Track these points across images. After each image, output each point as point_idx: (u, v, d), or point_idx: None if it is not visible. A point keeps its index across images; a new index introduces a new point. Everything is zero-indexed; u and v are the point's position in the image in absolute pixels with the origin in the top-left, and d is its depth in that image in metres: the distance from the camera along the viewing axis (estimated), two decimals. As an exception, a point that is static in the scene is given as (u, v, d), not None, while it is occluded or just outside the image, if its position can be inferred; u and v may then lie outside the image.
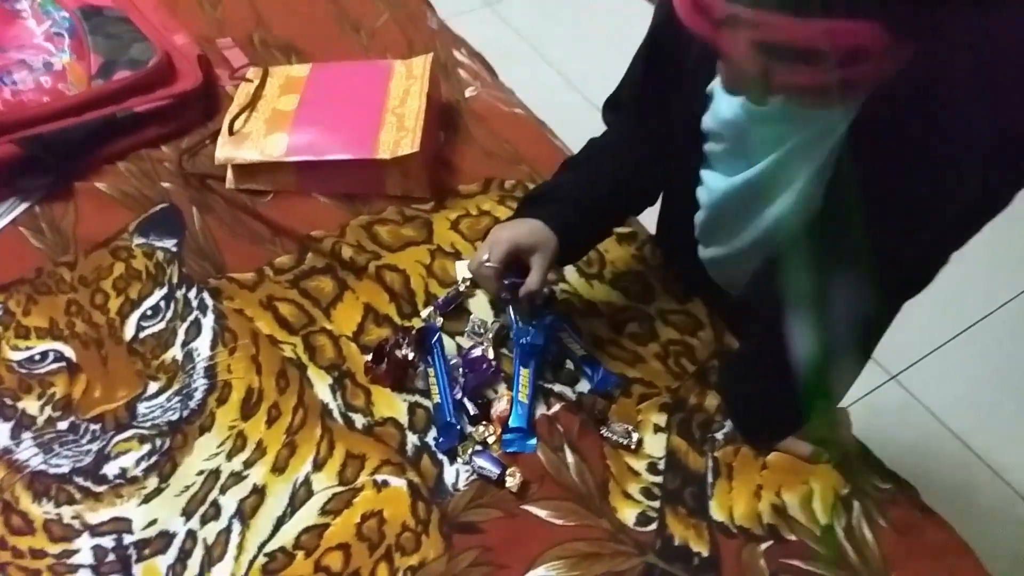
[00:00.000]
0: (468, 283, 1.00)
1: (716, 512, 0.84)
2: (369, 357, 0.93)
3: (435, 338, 0.93)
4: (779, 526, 0.84)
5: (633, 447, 0.88)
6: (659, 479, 0.86)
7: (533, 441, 0.88)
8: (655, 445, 0.89)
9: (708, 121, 0.84)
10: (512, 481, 0.84)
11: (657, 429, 0.90)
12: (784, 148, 0.78)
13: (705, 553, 0.81)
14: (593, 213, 0.94)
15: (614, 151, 0.96)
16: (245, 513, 0.83)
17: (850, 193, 0.75)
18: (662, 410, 0.91)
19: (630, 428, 0.89)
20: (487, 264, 0.86)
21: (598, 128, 1.01)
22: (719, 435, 0.90)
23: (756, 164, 0.81)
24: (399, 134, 1.07)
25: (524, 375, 0.90)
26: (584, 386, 0.93)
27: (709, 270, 0.97)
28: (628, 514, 0.84)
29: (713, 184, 0.87)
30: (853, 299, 0.79)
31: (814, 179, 0.78)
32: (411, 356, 0.90)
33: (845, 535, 0.84)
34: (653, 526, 0.83)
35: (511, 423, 0.88)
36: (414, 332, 0.93)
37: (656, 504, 0.84)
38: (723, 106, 0.81)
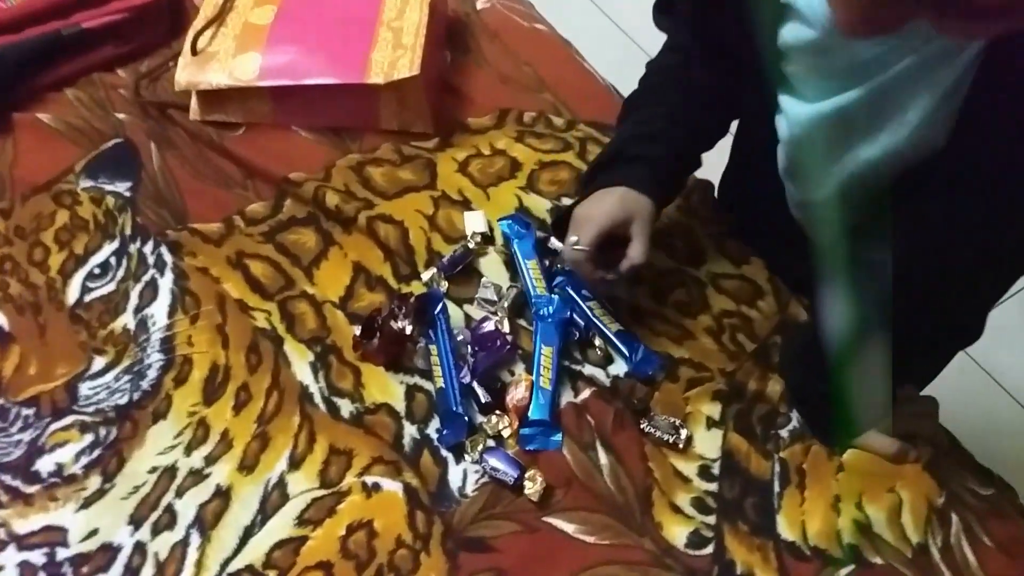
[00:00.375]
0: (479, 239, 0.82)
1: (785, 529, 0.68)
2: (358, 330, 0.76)
3: (439, 307, 0.76)
4: (862, 547, 0.68)
5: (681, 445, 0.71)
6: (714, 487, 0.70)
7: (558, 436, 0.72)
8: (708, 443, 0.73)
9: (787, 35, 0.65)
10: (532, 487, 0.69)
11: (710, 423, 0.74)
12: (893, 70, 0.60)
13: (774, 585, 0.66)
14: (678, 158, 0.78)
15: (680, 74, 0.79)
16: (206, 522, 0.69)
17: (985, 131, 0.57)
18: (715, 399, 0.75)
19: (677, 422, 0.72)
20: (577, 248, 0.72)
21: (629, 61, 0.82)
22: (784, 432, 0.74)
23: (853, 87, 0.62)
24: (395, 53, 0.89)
25: (546, 355, 0.74)
26: (620, 368, 0.76)
27: (794, 214, 0.79)
28: (677, 533, 0.68)
29: (794, 112, 0.68)
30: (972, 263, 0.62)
31: (935, 111, 0.60)
32: (409, 329, 0.74)
33: (942, 557, 0.69)
34: (709, 549, 0.67)
35: (531, 414, 0.72)
36: (413, 299, 0.76)
37: (711, 520, 0.69)
38: (809, 15, 0.62)
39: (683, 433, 0.72)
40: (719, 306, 0.81)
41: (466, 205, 0.87)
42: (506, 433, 0.72)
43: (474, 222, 0.84)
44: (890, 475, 0.72)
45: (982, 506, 0.71)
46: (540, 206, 0.87)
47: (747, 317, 0.81)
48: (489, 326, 0.76)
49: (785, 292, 0.82)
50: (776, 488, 0.70)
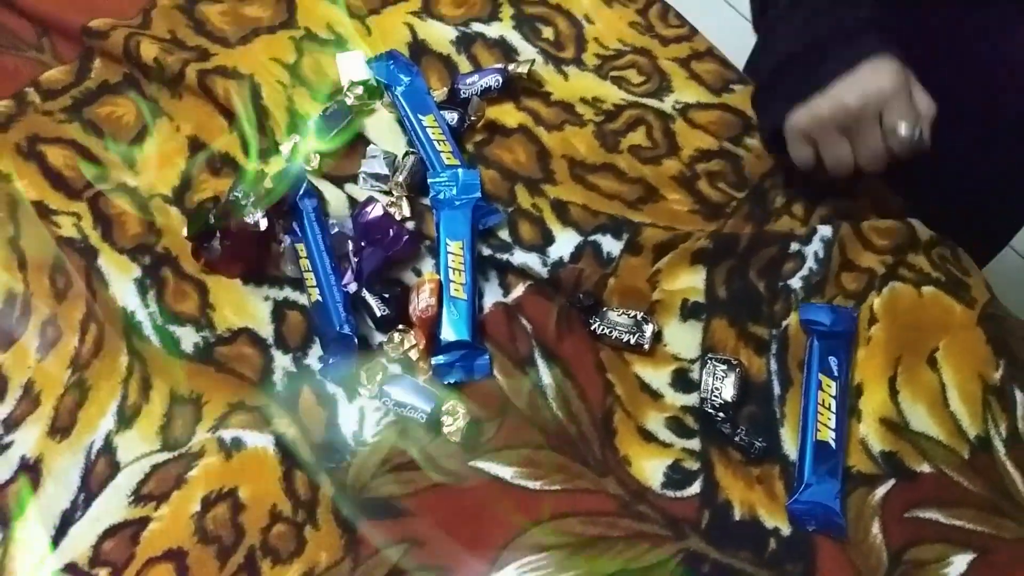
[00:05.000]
0: (360, 90, 0.60)
1: (793, 448, 0.50)
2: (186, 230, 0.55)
3: (302, 190, 0.55)
4: (901, 454, 0.50)
5: (646, 346, 0.52)
6: (694, 399, 0.51)
7: (484, 359, 0.52)
8: (684, 338, 0.53)
9: None
10: (452, 422, 0.50)
11: (688, 309, 0.54)
12: None
13: (786, 530, 0.48)
14: None
15: None
16: (7, 511, 0.50)
17: None
18: (697, 262, 0.55)
19: (638, 315, 0.53)
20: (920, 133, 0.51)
21: None
22: (797, 280, 0.54)
23: None
24: None
25: (455, 253, 0.53)
26: (562, 248, 0.56)
27: None
28: (651, 469, 0.49)
29: None
30: None
31: None
32: (264, 223, 0.53)
33: (1009, 451, 0.51)
34: (695, 487, 0.49)
35: (443, 335, 0.52)
36: (267, 180, 0.54)
37: (695, 444, 0.50)
38: None
39: (648, 329, 0.52)
40: (692, 144, 0.60)
41: (340, 45, 0.64)
42: (414, 355, 0.52)
43: (351, 67, 0.61)
44: (933, 327, 0.53)
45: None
46: (442, 38, 0.64)
47: (734, 155, 0.60)
48: (376, 211, 0.54)
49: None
50: (776, 390, 0.52)
